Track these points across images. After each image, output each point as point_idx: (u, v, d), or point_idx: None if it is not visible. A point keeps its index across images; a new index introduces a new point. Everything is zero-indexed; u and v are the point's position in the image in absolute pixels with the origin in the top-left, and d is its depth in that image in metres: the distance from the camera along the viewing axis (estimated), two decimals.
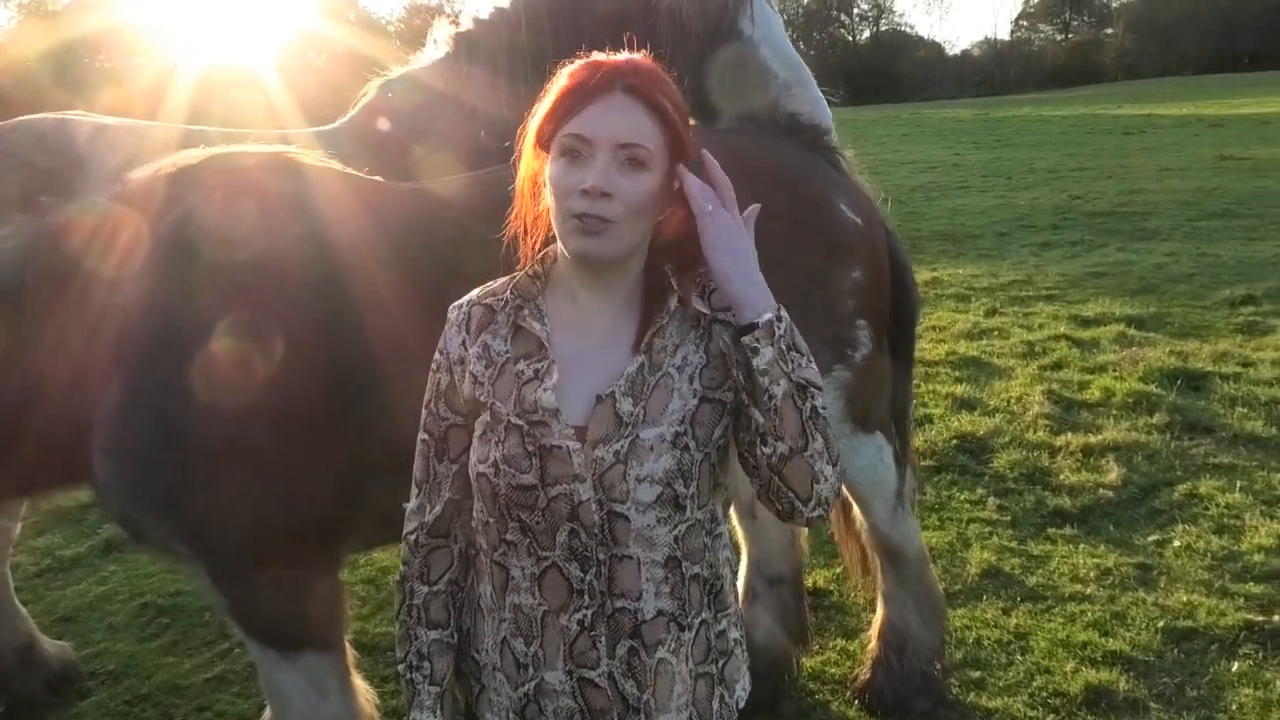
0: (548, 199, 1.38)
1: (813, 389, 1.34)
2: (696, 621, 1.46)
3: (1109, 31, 73.05)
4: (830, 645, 3.37)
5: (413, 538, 1.52)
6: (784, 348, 1.32)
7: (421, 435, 1.50)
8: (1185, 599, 3.45)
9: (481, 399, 1.43)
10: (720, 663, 1.50)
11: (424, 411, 1.49)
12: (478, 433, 1.44)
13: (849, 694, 3.09)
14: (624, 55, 1.37)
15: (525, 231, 1.47)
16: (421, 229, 2.11)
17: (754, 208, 1.41)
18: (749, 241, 1.35)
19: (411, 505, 1.52)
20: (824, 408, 1.36)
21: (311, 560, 2.04)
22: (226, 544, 1.94)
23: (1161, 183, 13.60)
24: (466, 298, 1.49)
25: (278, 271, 1.94)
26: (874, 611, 3.16)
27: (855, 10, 75.58)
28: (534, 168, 1.43)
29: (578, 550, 1.39)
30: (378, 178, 2.31)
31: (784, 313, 1.33)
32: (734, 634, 1.54)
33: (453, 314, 1.48)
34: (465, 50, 3.21)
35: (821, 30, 71.12)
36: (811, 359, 1.36)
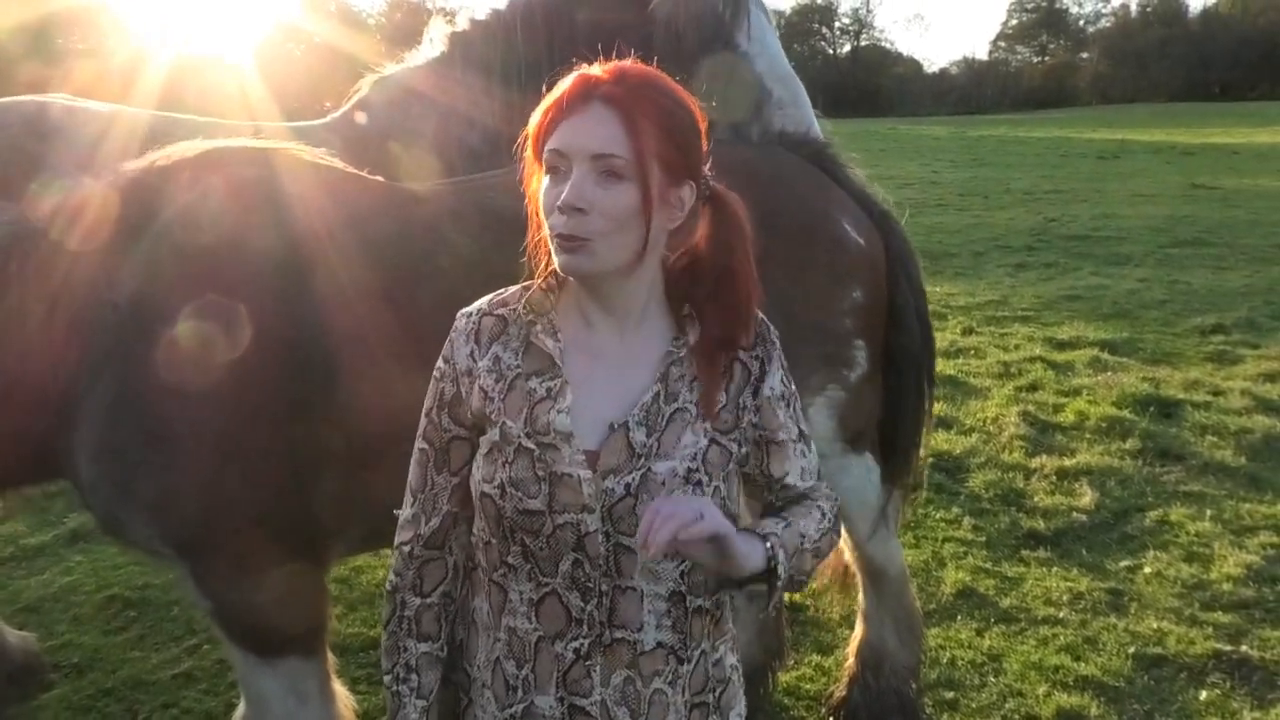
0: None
1: (821, 540, 1.43)
2: (696, 654, 1.43)
3: (1084, 55, 74.03)
4: (806, 661, 3.38)
5: (407, 549, 1.47)
6: (790, 573, 1.34)
7: (420, 444, 1.45)
8: (1155, 626, 3.49)
9: (491, 415, 1.37)
10: (717, 691, 1.47)
11: (423, 419, 1.44)
12: (484, 450, 1.39)
13: (824, 710, 3.10)
14: (614, 64, 1.32)
15: (535, 249, 1.41)
16: (423, 231, 2.08)
17: None
18: (690, 507, 1.23)
19: (405, 515, 1.47)
20: (831, 535, 1.45)
21: (298, 565, 2.00)
22: (213, 548, 1.90)
23: (1135, 208, 13.82)
24: (476, 306, 1.44)
25: (277, 273, 1.91)
26: (850, 628, 3.17)
27: (836, 24, 76.26)
28: (534, 185, 1.38)
29: (580, 580, 1.36)
30: (378, 177, 2.28)
31: (773, 539, 1.33)
32: (731, 659, 1.51)
33: (460, 322, 1.43)
34: (460, 52, 3.19)
35: (803, 42, 71.49)
36: (812, 539, 1.40)
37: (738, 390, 1.40)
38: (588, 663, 1.37)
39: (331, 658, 2.26)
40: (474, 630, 1.48)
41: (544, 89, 1.35)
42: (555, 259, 1.31)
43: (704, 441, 1.36)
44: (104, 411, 1.81)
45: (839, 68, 69.87)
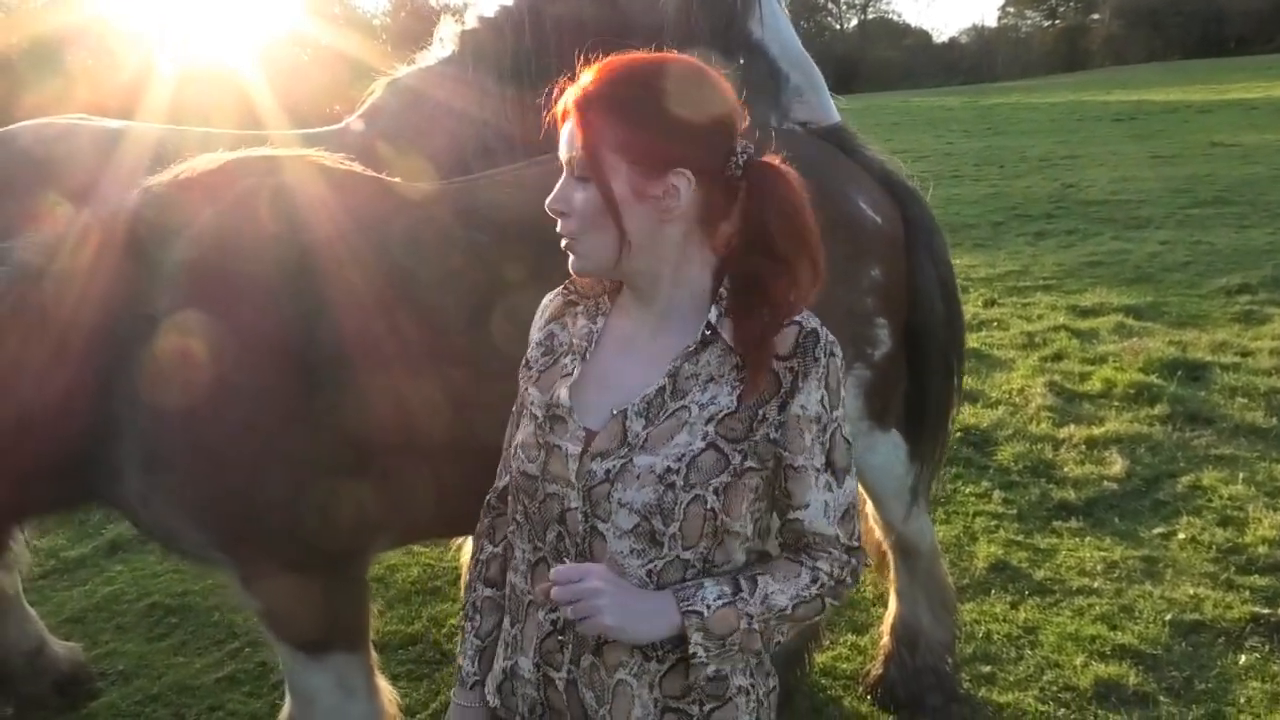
0: None
1: (797, 609, 1.34)
2: (672, 656, 1.36)
3: (1095, 17, 73.06)
4: (841, 640, 3.39)
5: (488, 499, 1.59)
6: (720, 639, 1.30)
7: (514, 407, 1.53)
8: (1192, 592, 3.48)
9: (523, 383, 1.48)
10: (705, 706, 1.39)
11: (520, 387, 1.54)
12: (519, 412, 1.49)
13: (861, 689, 3.11)
14: (599, 64, 1.33)
15: None
16: (442, 237, 2.10)
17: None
18: (597, 582, 1.29)
19: (499, 469, 1.58)
20: (818, 601, 1.36)
21: (341, 563, 2.05)
22: (260, 550, 1.95)
23: (1154, 170, 13.64)
24: (560, 286, 1.53)
25: (300, 280, 1.93)
26: (884, 607, 3.18)
27: None
28: None
29: (562, 553, 1.39)
30: (394, 179, 2.29)
31: (694, 621, 1.29)
32: (739, 681, 1.41)
33: (545, 299, 1.55)
34: (471, 51, 3.20)
35: (809, 19, 71.08)
36: (778, 610, 1.32)
37: (759, 400, 1.33)
38: (560, 638, 1.41)
39: (374, 654, 2.30)
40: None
41: (552, 86, 1.37)
42: None
43: (699, 444, 1.32)
44: (150, 423, 1.84)
45: (847, 42, 69.39)
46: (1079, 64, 61.99)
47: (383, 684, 2.31)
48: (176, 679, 3.39)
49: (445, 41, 3.28)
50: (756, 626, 1.32)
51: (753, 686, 1.43)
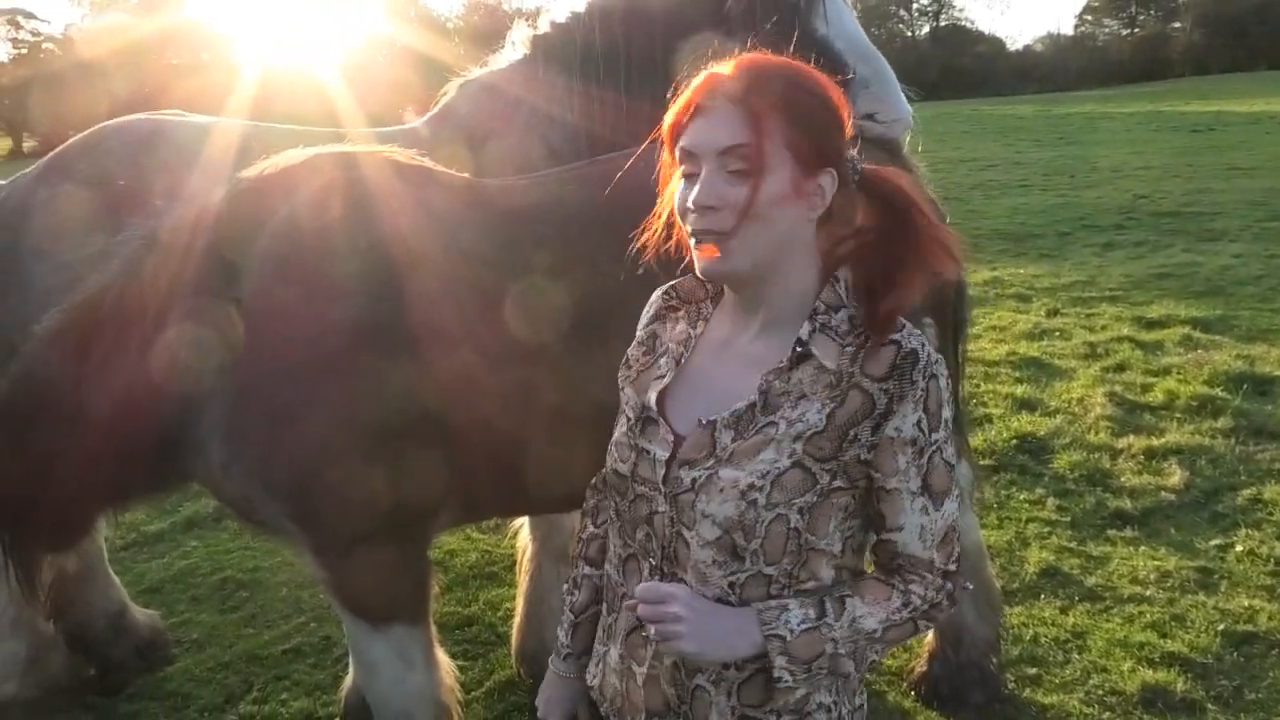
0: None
1: (888, 632, 1.32)
2: (751, 666, 1.35)
3: (1177, 25, 71.10)
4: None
5: (594, 480, 1.62)
6: (805, 664, 1.29)
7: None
8: (1246, 603, 3.45)
9: (620, 383, 1.50)
10: (782, 718, 1.38)
11: None
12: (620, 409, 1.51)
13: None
14: (743, 58, 1.34)
15: (674, 246, 1.45)
16: (510, 230, 2.21)
17: None
18: (678, 608, 1.29)
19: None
20: (910, 625, 1.35)
21: (406, 538, 2.17)
22: (331, 523, 2.07)
23: (1230, 182, 13.31)
24: (671, 283, 1.52)
25: (374, 267, 2.06)
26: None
27: (915, 5, 74.75)
28: (671, 185, 1.41)
29: (650, 553, 1.41)
30: (465, 175, 2.42)
31: (776, 644, 1.28)
32: (822, 698, 1.38)
33: (654, 295, 1.54)
34: (542, 53, 3.30)
35: (880, 25, 70.30)
36: (866, 633, 1.30)
37: (849, 419, 1.30)
38: (644, 633, 1.39)
39: (434, 630, 2.42)
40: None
41: (624, 85, 1.41)
42: (695, 262, 1.34)
43: (785, 462, 1.30)
44: (234, 398, 1.99)
45: (918, 50, 68.50)
46: (1158, 73, 60.39)
47: (442, 657, 2.43)
48: (246, 649, 3.57)
49: (517, 45, 3.40)
50: (844, 650, 1.30)
51: (835, 704, 1.40)
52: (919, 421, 1.30)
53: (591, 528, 1.62)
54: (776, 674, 1.29)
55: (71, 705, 3.26)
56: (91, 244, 2.65)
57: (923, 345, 1.32)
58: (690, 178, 1.32)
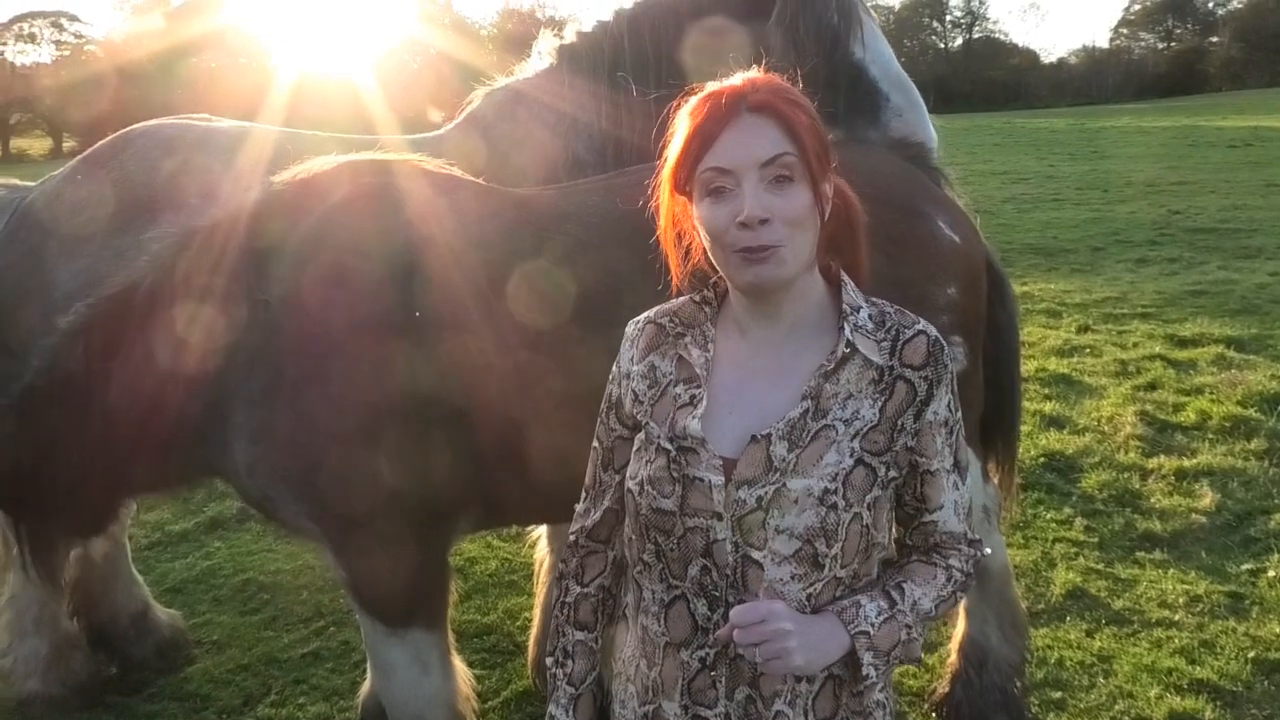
0: (702, 240, 1.37)
1: (938, 608, 1.38)
2: (821, 675, 1.37)
3: (1214, 40, 70.30)
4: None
5: (573, 538, 1.56)
6: (886, 655, 1.32)
7: (594, 443, 1.53)
8: (1278, 630, 3.38)
9: (639, 417, 1.43)
10: None
11: (598, 421, 1.52)
12: (635, 448, 1.44)
13: (927, 706, 3.11)
14: (739, 76, 1.34)
15: (675, 276, 1.46)
16: (530, 236, 2.21)
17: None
18: (785, 622, 1.27)
19: (579, 508, 1.56)
20: (954, 597, 1.41)
21: (425, 541, 2.17)
22: (351, 523, 2.09)
23: (1267, 198, 13.13)
24: (646, 314, 1.50)
25: (400, 272, 2.07)
26: (954, 625, 3.17)
27: (948, 17, 74.43)
28: (675, 213, 1.41)
29: (707, 587, 1.36)
30: (489, 183, 2.42)
31: (863, 641, 1.30)
32: (876, 695, 1.42)
33: (630, 329, 1.50)
34: (568, 62, 3.31)
35: (913, 37, 70.04)
36: (924, 611, 1.36)
37: (897, 410, 1.35)
38: (713, 673, 1.37)
39: (451, 635, 2.42)
40: (623, 624, 1.53)
41: (648, 96, 1.41)
42: (737, 277, 1.33)
43: (849, 462, 1.32)
44: (259, 397, 2.01)
45: (951, 62, 68.22)
46: (1195, 87, 59.78)
47: (459, 665, 2.43)
48: (265, 651, 3.58)
49: (543, 54, 3.41)
50: (915, 635, 1.35)
51: (887, 699, 1.44)
52: (949, 403, 1.38)
53: (578, 589, 1.54)
54: (864, 670, 1.31)
55: (92, 703, 3.28)
56: (116, 244, 2.69)
57: (936, 331, 1.40)
58: (719, 195, 1.31)
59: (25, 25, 46.93)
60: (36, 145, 46.21)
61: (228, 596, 3.99)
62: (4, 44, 47.07)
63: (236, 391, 2.02)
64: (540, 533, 3.29)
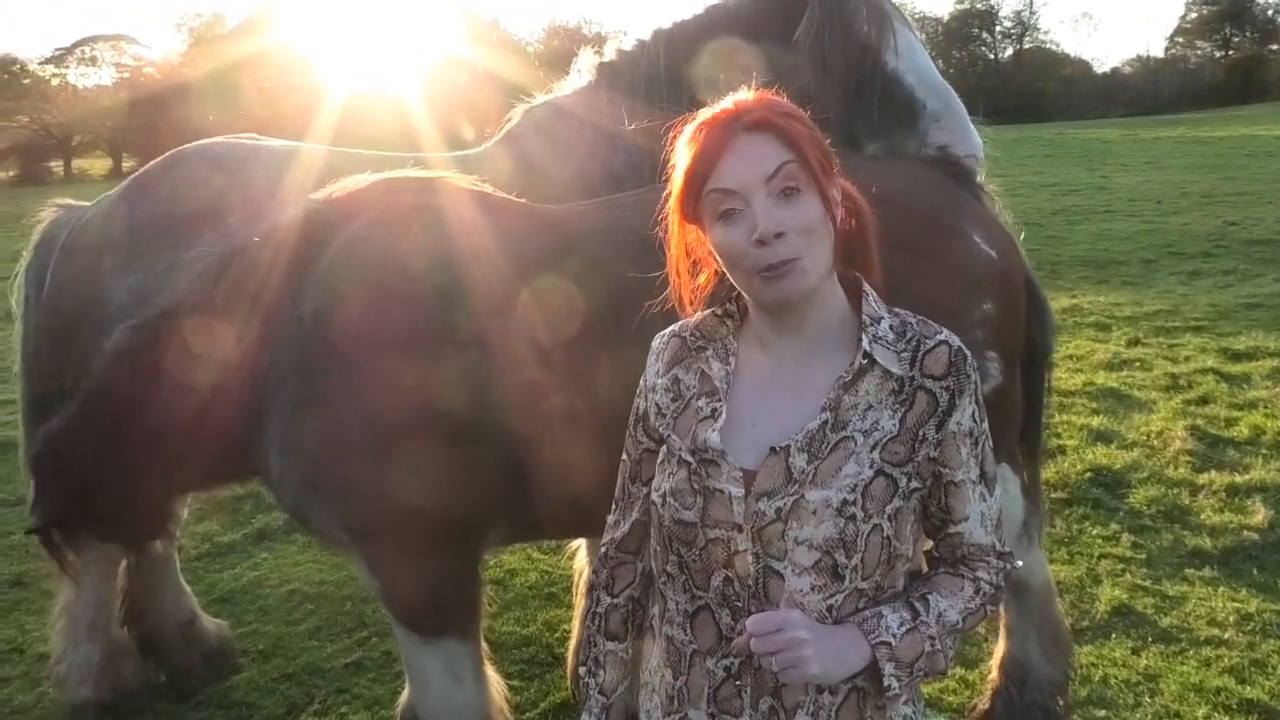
0: (720, 266, 1.38)
1: (966, 620, 1.37)
2: (844, 686, 1.36)
3: (1273, 48, 68.78)
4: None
5: (604, 550, 1.58)
6: (909, 666, 1.31)
7: (623, 456, 1.55)
8: None
9: (662, 430, 1.45)
10: None
11: (627, 434, 1.55)
12: (659, 460, 1.46)
13: None
14: (729, 99, 1.36)
15: (683, 305, 1.49)
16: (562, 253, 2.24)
17: None
18: (800, 631, 1.27)
19: (609, 520, 1.58)
20: (982, 610, 1.39)
21: (457, 553, 2.20)
22: (382, 534, 2.12)
23: None
24: (670, 328, 1.52)
25: (435, 290, 2.11)
26: (995, 641, 3.13)
27: (998, 28, 73.61)
28: (687, 242, 1.43)
29: (730, 598, 1.37)
30: (524, 200, 2.46)
31: (884, 651, 1.29)
32: (902, 708, 1.41)
33: (655, 343, 1.52)
34: (607, 79, 3.35)
35: (962, 48, 69.40)
36: (950, 624, 1.35)
37: (918, 420, 1.35)
38: (738, 682, 1.38)
39: (485, 647, 2.45)
40: (649, 635, 1.55)
41: (690, 109, 1.43)
42: (761, 295, 1.34)
43: (868, 473, 1.32)
44: (291, 411, 2.06)
45: (1001, 73, 67.39)
46: (1254, 96, 58.41)
47: (492, 675, 2.45)
48: (309, 661, 3.64)
49: (583, 72, 3.45)
50: (939, 647, 1.34)
51: (915, 714, 1.44)
52: (973, 414, 1.38)
53: (609, 599, 1.57)
54: (886, 682, 1.30)
55: (142, 710, 3.36)
56: (167, 259, 2.77)
57: (960, 341, 1.40)
58: (730, 218, 1.32)
59: (87, 49, 48.39)
60: (97, 165, 47.56)
61: (273, 606, 4.07)
62: (67, 67, 48.57)
63: (271, 404, 2.07)
64: (579, 545, 3.31)
